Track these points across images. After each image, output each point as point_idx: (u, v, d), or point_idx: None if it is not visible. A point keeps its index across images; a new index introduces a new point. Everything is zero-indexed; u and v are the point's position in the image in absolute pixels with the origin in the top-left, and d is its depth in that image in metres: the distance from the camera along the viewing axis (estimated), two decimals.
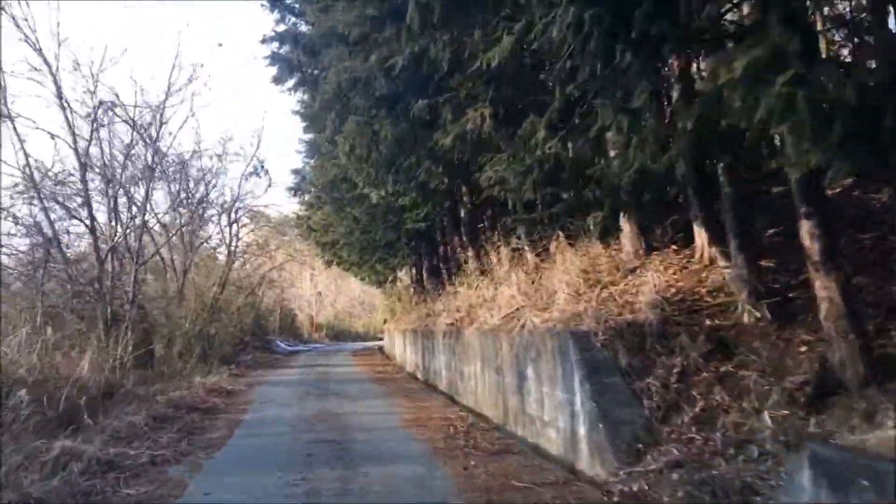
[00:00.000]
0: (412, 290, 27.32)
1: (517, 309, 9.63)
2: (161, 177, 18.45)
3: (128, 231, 15.46)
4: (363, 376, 17.27)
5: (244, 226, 28.01)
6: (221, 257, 28.72)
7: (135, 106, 14.84)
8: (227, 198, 26.48)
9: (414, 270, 25.26)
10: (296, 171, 24.80)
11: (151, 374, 14.61)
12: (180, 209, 24.15)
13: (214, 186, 26.99)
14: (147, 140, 15.39)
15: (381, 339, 53.77)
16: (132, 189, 15.75)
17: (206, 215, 26.60)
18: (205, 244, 28.67)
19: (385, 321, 33.34)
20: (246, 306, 31.24)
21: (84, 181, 14.50)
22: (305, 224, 25.28)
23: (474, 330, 10.82)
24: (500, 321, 9.94)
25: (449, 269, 17.00)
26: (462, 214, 16.23)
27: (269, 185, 32.85)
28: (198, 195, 26.42)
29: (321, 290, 56.73)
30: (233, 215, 26.23)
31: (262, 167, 24.95)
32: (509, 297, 10.06)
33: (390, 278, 25.75)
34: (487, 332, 10.11)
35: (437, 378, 14.04)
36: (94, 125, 14.56)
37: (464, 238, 15.84)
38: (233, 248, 27.39)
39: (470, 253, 14.59)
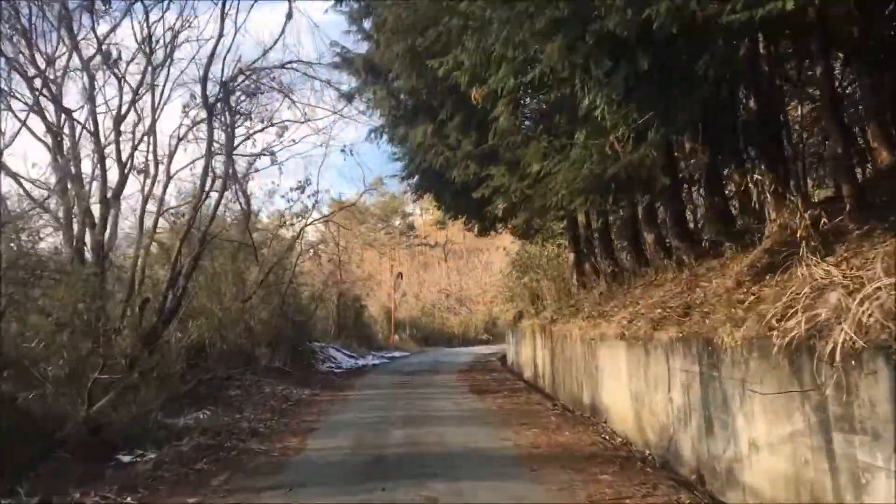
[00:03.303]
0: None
1: None
2: None
3: None
4: None
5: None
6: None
7: None
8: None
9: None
10: None
11: None
12: None
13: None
14: None
15: (484, 340, 39.03)
16: None
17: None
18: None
19: (519, 316, 18.27)
20: (269, 288, 17.09)
21: None
22: (362, 67, 10.47)
23: None
24: None
25: None
26: None
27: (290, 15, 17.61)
28: None
29: (402, 276, 42.66)
30: (210, 80, 11.86)
31: None
32: None
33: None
34: None
35: None
36: None
37: None
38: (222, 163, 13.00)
39: None
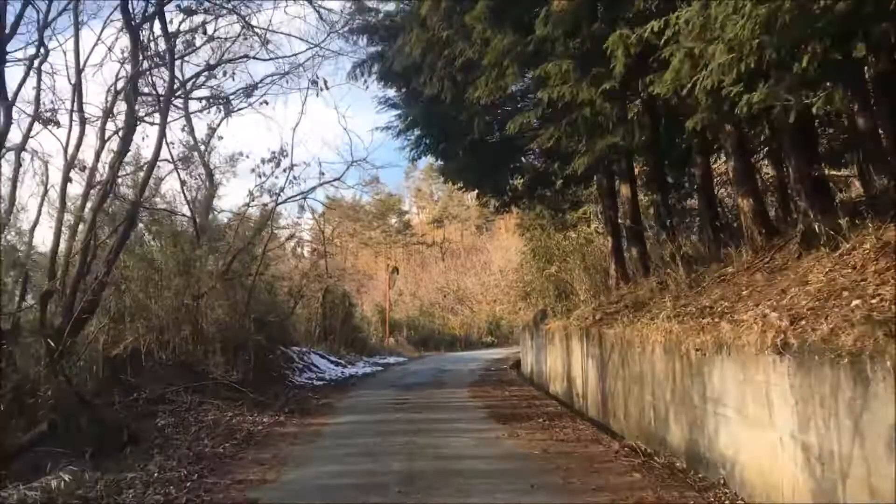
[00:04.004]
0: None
1: None
2: None
3: None
4: None
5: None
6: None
7: None
8: None
9: None
10: None
11: None
12: None
13: None
14: None
15: (489, 342, 35.48)
16: None
17: None
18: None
19: (542, 315, 14.93)
20: (232, 281, 13.78)
21: None
22: None
23: None
24: None
25: None
26: None
27: None
28: None
29: (398, 271, 39.46)
30: None
31: None
32: None
33: None
34: None
35: None
36: None
37: None
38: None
39: None
